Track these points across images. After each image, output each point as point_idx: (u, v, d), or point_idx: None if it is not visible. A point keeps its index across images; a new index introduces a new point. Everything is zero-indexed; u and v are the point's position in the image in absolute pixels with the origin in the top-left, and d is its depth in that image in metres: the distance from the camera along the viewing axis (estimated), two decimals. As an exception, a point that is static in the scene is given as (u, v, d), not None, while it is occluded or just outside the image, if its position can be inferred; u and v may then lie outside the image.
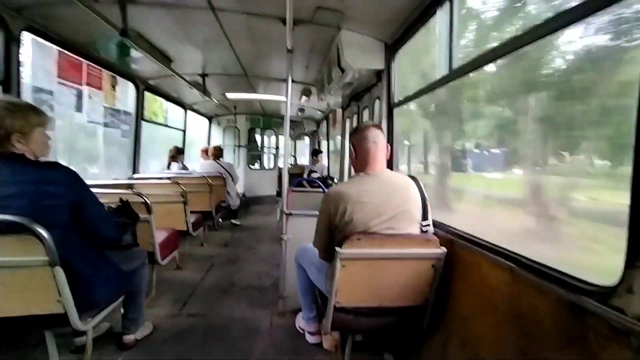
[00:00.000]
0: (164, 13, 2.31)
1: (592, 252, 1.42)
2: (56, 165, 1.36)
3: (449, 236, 1.60)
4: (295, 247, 2.02)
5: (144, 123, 3.98)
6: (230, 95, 5.09)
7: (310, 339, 1.95)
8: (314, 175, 5.61)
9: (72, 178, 1.36)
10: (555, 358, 0.96)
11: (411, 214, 1.46)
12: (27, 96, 2.41)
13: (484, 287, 1.32)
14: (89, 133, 3.45)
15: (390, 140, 2.58)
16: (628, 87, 0.92)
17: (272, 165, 7.83)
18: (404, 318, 1.52)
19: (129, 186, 2.95)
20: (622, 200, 0.83)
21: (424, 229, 1.50)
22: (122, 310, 1.83)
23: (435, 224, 1.66)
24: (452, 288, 1.52)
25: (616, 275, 0.84)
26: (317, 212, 1.59)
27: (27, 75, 2.38)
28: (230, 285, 2.78)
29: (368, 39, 2.48)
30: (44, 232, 1.19)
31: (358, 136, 1.53)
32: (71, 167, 1.39)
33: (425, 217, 1.50)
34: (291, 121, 3.10)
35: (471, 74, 1.63)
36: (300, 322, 2.04)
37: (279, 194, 5.92)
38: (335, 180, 5.30)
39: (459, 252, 1.49)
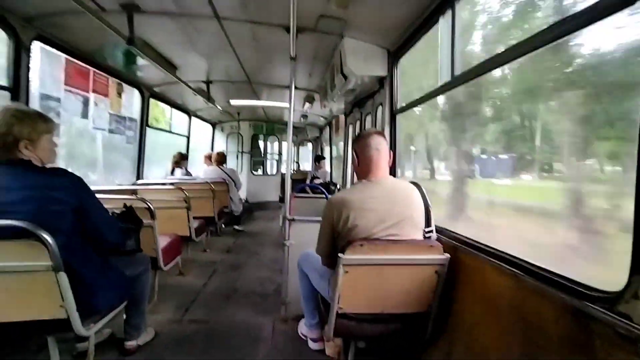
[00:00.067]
0: (170, 22, 2.35)
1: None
2: (61, 171, 1.38)
3: (452, 242, 1.59)
4: (297, 253, 2.02)
5: (148, 129, 4.03)
6: (234, 102, 5.15)
7: (312, 345, 1.93)
8: (317, 181, 5.63)
9: (77, 184, 1.38)
10: None
11: (414, 220, 1.46)
12: (34, 103, 2.45)
13: (487, 293, 1.31)
14: (87, 138, 3.48)
15: (392, 146, 2.58)
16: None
17: (274, 171, 7.86)
18: (407, 324, 1.50)
19: (133, 192, 2.98)
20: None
21: (427, 235, 1.50)
22: (124, 316, 1.82)
23: (439, 230, 1.66)
24: (455, 294, 1.51)
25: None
26: (319, 218, 1.59)
27: (35, 83, 2.43)
28: (232, 291, 2.77)
29: (371, 46, 2.51)
30: (48, 238, 1.20)
31: (361, 143, 1.54)
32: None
33: (428, 223, 1.50)
34: (294, 127, 3.13)
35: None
36: (303, 328, 2.02)
37: (282, 199, 5.92)
38: (338, 186, 5.30)
39: (463, 258, 1.49)
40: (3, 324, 1.31)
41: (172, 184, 3.50)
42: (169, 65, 3.16)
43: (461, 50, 1.77)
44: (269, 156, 7.96)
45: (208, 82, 4.02)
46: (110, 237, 1.53)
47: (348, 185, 4.41)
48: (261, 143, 7.86)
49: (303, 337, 2.02)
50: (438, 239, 1.52)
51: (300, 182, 5.29)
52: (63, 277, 1.26)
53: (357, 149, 1.55)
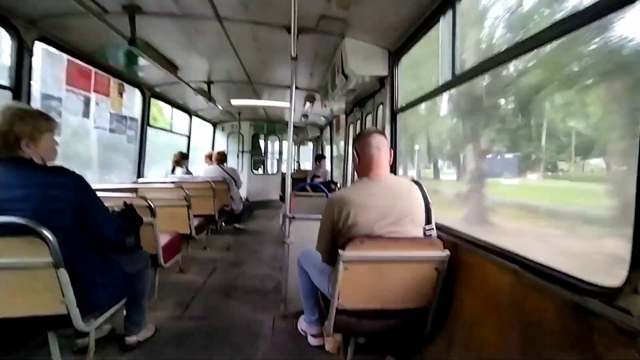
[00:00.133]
0: (171, 23, 2.36)
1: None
2: (62, 169, 1.39)
3: (452, 239, 1.60)
4: (297, 251, 2.02)
5: (149, 129, 4.04)
6: (235, 102, 5.16)
7: (312, 341, 1.94)
8: (317, 180, 5.63)
9: (77, 182, 1.39)
10: None
11: (414, 217, 1.47)
12: (36, 103, 2.46)
13: (487, 290, 1.32)
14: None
15: (393, 145, 2.59)
16: None
17: (275, 171, 7.88)
18: (406, 320, 1.51)
19: (134, 190, 2.99)
20: None
21: (428, 232, 1.50)
22: (124, 312, 1.83)
23: (439, 227, 1.66)
24: (455, 290, 1.51)
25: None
26: (319, 216, 1.60)
27: (37, 83, 2.45)
28: (232, 289, 2.78)
29: (371, 46, 2.52)
30: (49, 234, 1.21)
31: (361, 142, 1.55)
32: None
33: (428, 220, 1.51)
34: (295, 127, 3.14)
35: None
36: (303, 324, 2.03)
37: (282, 198, 5.93)
38: (339, 185, 5.31)
39: (463, 254, 1.49)
40: (4, 319, 1.32)
41: (172, 182, 3.52)
42: (170, 66, 3.17)
43: (461, 49, 1.77)
44: (269, 155, 7.98)
45: (209, 82, 4.04)
46: (110, 235, 1.54)
47: (349, 184, 4.41)
48: (262, 142, 7.88)
49: (303, 333, 2.02)
50: (438, 236, 1.53)
51: (301, 181, 5.30)
52: (63, 273, 1.27)
53: (357, 148, 1.56)
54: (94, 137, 3.54)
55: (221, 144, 7.19)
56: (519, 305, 1.14)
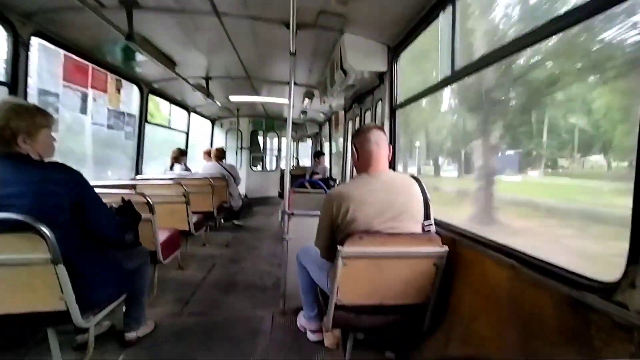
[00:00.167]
0: (169, 18, 2.34)
1: None
2: (59, 165, 1.38)
3: (451, 235, 1.60)
4: (296, 247, 2.03)
5: (147, 125, 4.02)
6: (234, 98, 5.14)
7: (311, 337, 1.95)
8: (316, 176, 5.63)
9: (75, 178, 1.38)
10: (558, 354, 0.96)
11: (413, 213, 1.47)
12: (33, 99, 2.44)
13: (486, 285, 1.33)
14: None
15: (392, 141, 2.59)
16: None
17: (274, 167, 7.87)
18: (405, 316, 1.52)
19: (132, 187, 2.98)
20: None
21: (426, 228, 1.51)
22: (124, 309, 1.84)
23: (438, 223, 1.67)
24: (454, 286, 1.52)
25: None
26: (318, 213, 1.60)
27: (33, 78, 2.42)
28: (232, 285, 2.78)
29: (371, 42, 2.51)
30: (46, 231, 1.20)
31: (360, 138, 1.54)
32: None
33: (427, 216, 1.51)
34: (294, 123, 3.13)
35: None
36: (302, 320, 2.04)
37: (281, 195, 5.93)
38: (338, 182, 5.32)
39: (461, 250, 1.50)
40: (3, 315, 1.32)
41: (171, 179, 3.51)
42: (168, 61, 3.15)
43: (461, 45, 1.76)
44: (268, 152, 7.97)
45: (207, 78, 4.01)
46: (108, 231, 1.54)
47: (347, 180, 4.41)
48: (260, 139, 7.86)
49: (302, 329, 2.03)
50: (437, 232, 1.53)
51: (300, 177, 5.29)
52: (62, 269, 1.26)
53: (356, 144, 1.56)
54: (88, 133, 3.50)
55: (220, 141, 7.17)
56: (516, 300, 1.15)
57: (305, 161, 9.26)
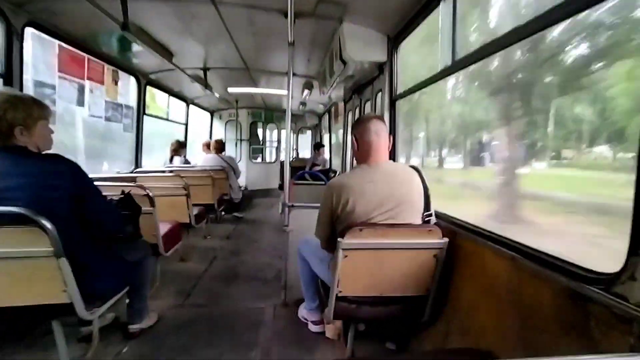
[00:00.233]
0: (165, 7, 2.29)
1: None
2: (58, 157, 1.37)
3: (451, 226, 1.60)
4: (297, 239, 2.03)
5: (146, 117, 3.98)
6: (232, 90, 5.08)
7: (313, 328, 1.97)
8: (316, 168, 5.62)
9: (74, 170, 1.37)
10: (557, 346, 0.97)
11: (413, 204, 1.47)
12: (29, 91, 2.41)
13: (485, 276, 1.33)
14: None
15: (392, 132, 2.57)
16: None
17: (274, 159, 7.85)
18: (406, 307, 1.53)
19: (132, 179, 2.97)
20: None
21: (426, 219, 1.51)
22: (127, 301, 1.85)
23: (438, 215, 1.67)
24: (454, 277, 1.53)
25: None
26: (318, 204, 1.60)
27: (28, 69, 2.39)
28: (233, 277, 2.80)
29: (370, 31, 2.46)
30: (47, 224, 1.20)
31: (360, 128, 1.53)
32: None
33: (427, 207, 1.51)
34: (293, 115, 3.10)
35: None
36: (303, 312, 2.06)
37: (281, 186, 5.93)
38: (338, 173, 5.30)
39: (461, 242, 1.50)
40: (8, 308, 1.33)
41: (171, 171, 3.50)
42: (165, 52, 3.10)
43: (462, 35, 1.72)
44: (267, 144, 7.93)
45: (205, 69, 3.96)
46: (108, 224, 1.54)
47: (347, 171, 4.40)
48: (260, 131, 7.81)
49: (304, 320, 2.05)
50: (437, 223, 1.53)
51: (300, 169, 5.28)
52: (64, 262, 1.27)
53: (356, 134, 1.54)
54: (79, 123, 3.46)
55: (219, 133, 7.12)
56: (516, 291, 1.15)
57: (305, 153, 9.22)
